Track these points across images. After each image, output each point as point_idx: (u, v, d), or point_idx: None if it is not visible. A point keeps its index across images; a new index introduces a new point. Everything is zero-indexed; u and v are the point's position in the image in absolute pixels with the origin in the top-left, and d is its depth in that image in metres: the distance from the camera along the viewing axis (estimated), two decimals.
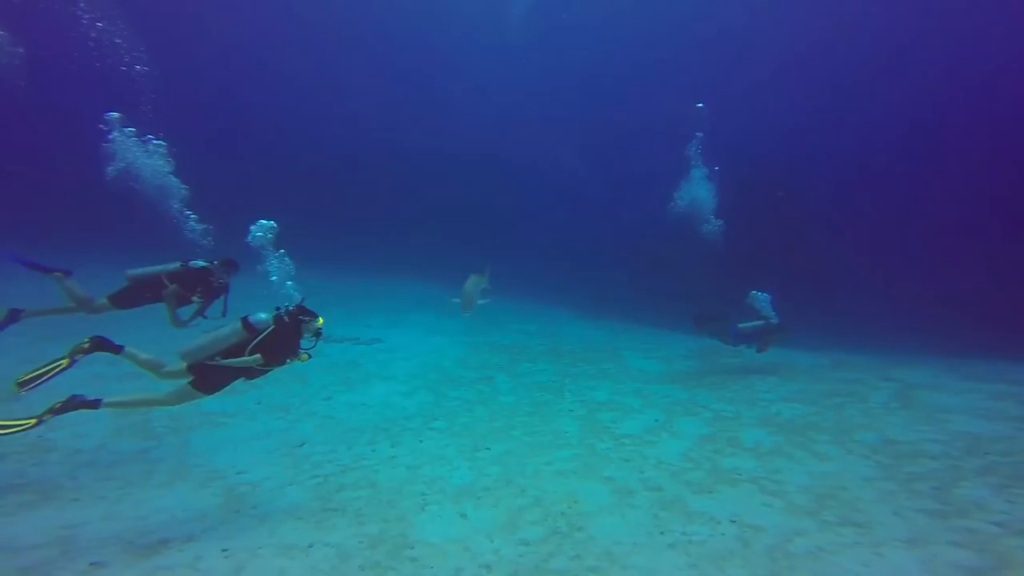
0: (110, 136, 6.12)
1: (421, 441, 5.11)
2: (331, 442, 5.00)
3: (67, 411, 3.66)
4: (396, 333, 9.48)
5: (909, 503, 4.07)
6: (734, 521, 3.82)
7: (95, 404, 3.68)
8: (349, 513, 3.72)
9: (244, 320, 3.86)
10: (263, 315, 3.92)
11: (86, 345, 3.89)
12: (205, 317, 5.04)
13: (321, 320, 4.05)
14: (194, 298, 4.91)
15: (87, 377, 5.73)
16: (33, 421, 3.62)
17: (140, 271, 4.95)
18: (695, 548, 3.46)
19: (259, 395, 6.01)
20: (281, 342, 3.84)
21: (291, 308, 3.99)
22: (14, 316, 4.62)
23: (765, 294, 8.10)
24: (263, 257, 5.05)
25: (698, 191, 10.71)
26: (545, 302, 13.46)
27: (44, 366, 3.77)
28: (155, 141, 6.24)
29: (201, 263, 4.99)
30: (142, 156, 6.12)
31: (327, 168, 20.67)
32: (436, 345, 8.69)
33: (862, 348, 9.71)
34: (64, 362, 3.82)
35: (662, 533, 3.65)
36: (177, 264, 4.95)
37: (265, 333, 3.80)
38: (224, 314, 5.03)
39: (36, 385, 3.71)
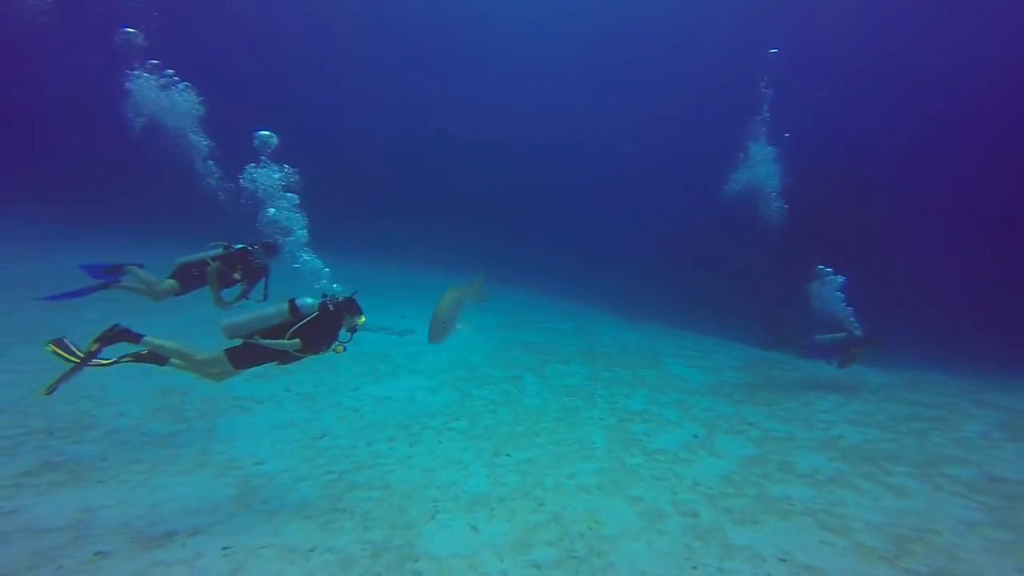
0: (131, 77, 5.83)
1: (440, 442, 4.95)
2: (351, 436, 4.94)
3: (111, 341, 3.72)
4: (427, 325, 9.41)
5: None
6: (783, 559, 3.34)
7: (137, 338, 3.77)
8: (357, 516, 3.60)
9: (291, 302, 3.86)
10: (309, 300, 3.92)
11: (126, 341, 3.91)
12: (248, 299, 5.20)
13: (363, 319, 4.03)
14: (235, 276, 5.06)
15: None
16: (81, 355, 3.67)
17: (187, 258, 5.15)
18: None
19: (289, 382, 6.09)
20: (321, 330, 3.83)
21: (339, 299, 3.97)
22: (117, 271, 4.99)
23: (840, 277, 7.12)
24: (262, 202, 4.86)
25: (760, 168, 9.65)
26: (581, 300, 13.00)
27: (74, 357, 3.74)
28: (181, 84, 5.93)
29: (241, 245, 5.15)
30: (165, 103, 5.79)
31: (367, 158, 21.14)
32: (466, 340, 8.53)
33: (945, 367, 8.54)
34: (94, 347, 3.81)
35: (694, 568, 3.25)
36: (220, 249, 5.13)
37: (308, 319, 3.79)
38: (265, 297, 5.16)
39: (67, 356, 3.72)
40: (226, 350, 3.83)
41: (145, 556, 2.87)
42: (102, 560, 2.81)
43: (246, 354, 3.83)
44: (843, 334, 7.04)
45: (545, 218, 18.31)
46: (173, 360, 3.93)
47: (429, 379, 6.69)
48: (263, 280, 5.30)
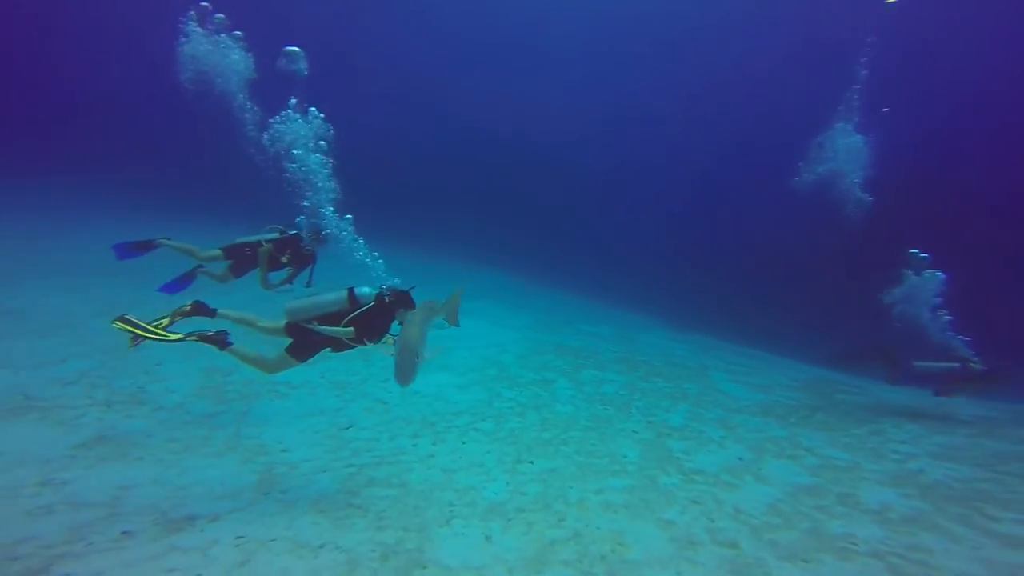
0: (183, 33, 5.29)
1: (464, 442, 4.84)
2: (376, 429, 4.95)
3: (193, 314, 4.11)
4: (463, 320, 9.37)
5: None
6: None
7: (224, 345, 4.08)
8: (371, 514, 3.56)
9: (350, 290, 3.94)
10: (367, 289, 3.98)
11: (187, 308, 4.29)
12: (292, 284, 5.35)
13: None
14: (283, 259, 5.22)
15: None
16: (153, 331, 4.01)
17: (241, 239, 5.37)
18: None
19: (324, 368, 6.23)
20: (375, 321, 3.87)
21: (396, 290, 4.01)
22: (148, 246, 5.32)
23: (939, 273, 5.91)
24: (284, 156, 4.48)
25: (841, 156, 8.37)
26: (626, 305, 12.46)
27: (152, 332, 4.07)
28: (228, 37, 5.34)
29: (294, 231, 5.31)
30: (218, 62, 5.22)
31: (419, 153, 21.49)
32: (500, 338, 8.40)
33: None
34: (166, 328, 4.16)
35: None
36: (276, 233, 5.32)
37: (364, 308, 3.85)
38: (309, 284, 5.27)
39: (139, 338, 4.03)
40: (287, 348, 4.02)
41: (164, 540, 2.97)
42: (126, 540, 2.93)
43: (305, 347, 3.99)
44: (956, 364, 5.81)
45: (593, 219, 17.80)
46: (233, 347, 4.13)
47: (459, 376, 6.62)
48: (310, 267, 5.43)
